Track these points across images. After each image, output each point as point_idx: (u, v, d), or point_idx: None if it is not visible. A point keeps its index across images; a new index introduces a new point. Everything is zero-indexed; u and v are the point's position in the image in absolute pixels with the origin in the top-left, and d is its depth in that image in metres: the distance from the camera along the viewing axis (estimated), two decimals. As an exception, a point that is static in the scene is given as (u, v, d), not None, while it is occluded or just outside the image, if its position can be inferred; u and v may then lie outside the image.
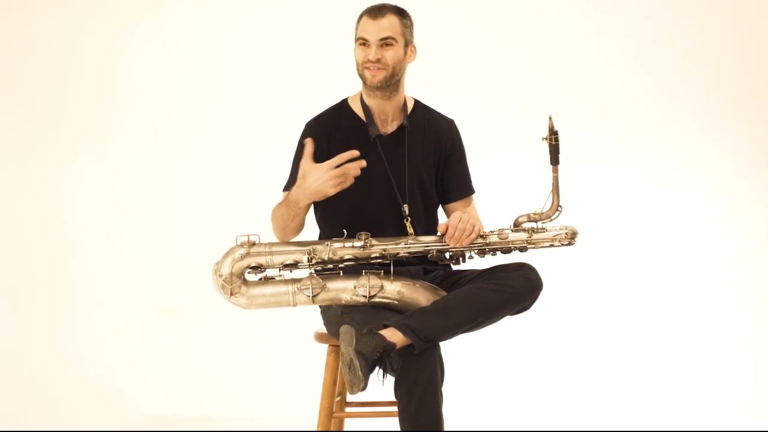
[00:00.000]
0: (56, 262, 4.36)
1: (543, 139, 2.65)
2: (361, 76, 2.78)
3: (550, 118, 2.64)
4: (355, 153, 2.60)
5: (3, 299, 4.33)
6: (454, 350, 3.10)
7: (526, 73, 4.39)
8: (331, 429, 2.85)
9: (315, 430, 2.87)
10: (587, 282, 4.31)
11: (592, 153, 4.34)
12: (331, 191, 2.59)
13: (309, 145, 2.63)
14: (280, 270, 2.67)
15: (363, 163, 2.60)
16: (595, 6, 4.40)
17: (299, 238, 2.74)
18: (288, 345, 4.20)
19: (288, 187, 2.82)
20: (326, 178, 2.57)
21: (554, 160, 2.64)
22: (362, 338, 2.45)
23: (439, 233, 2.70)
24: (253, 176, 4.35)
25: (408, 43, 2.79)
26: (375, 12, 2.76)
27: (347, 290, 2.65)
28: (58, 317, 4.33)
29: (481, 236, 2.68)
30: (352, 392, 2.44)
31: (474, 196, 2.97)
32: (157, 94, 4.39)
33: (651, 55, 4.39)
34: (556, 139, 2.63)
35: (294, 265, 2.66)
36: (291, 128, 2.97)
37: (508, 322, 2.71)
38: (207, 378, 4.29)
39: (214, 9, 4.42)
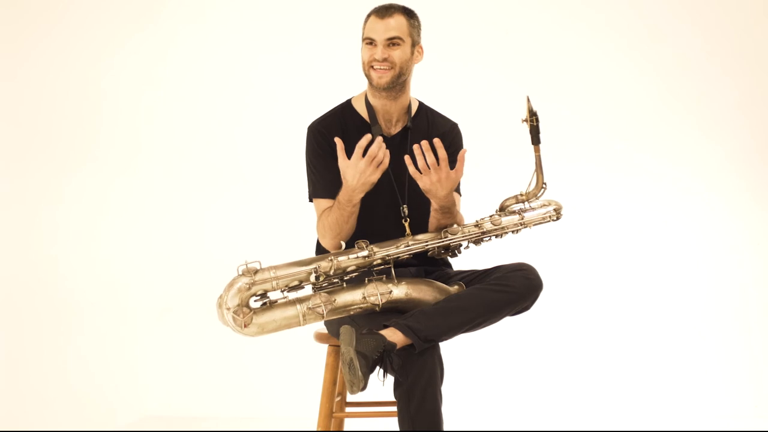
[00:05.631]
0: (57, 263, 4.36)
1: (523, 121, 2.68)
2: (367, 76, 2.78)
3: (528, 100, 2.67)
4: (369, 137, 2.60)
5: (3, 300, 4.33)
6: (454, 350, 3.11)
7: (515, 63, 4.38)
8: (331, 429, 2.85)
9: (315, 430, 2.87)
10: (586, 282, 4.31)
11: (589, 150, 4.34)
12: (375, 177, 2.62)
13: (339, 144, 2.63)
14: (282, 291, 2.62)
15: (379, 139, 2.60)
16: (593, 2, 4.41)
17: (299, 254, 2.73)
18: (288, 345, 4.19)
19: (316, 194, 2.81)
20: (362, 169, 2.59)
21: (535, 140, 2.68)
22: (363, 338, 2.46)
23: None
24: (250, 177, 4.35)
25: (415, 43, 2.79)
26: (382, 12, 2.75)
27: (356, 301, 2.62)
28: (57, 318, 4.33)
29: (476, 225, 2.70)
30: (353, 392, 2.44)
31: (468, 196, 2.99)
32: (154, 103, 4.39)
33: (647, 50, 4.39)
34: (536, 120, 2.66)
35: (299, 286, 2.62)
36: (290, 132, 2.96)
37: (507, 322, 2.72)
38: (206, 378, 4.29)
39: (212, 13, 4.42)
